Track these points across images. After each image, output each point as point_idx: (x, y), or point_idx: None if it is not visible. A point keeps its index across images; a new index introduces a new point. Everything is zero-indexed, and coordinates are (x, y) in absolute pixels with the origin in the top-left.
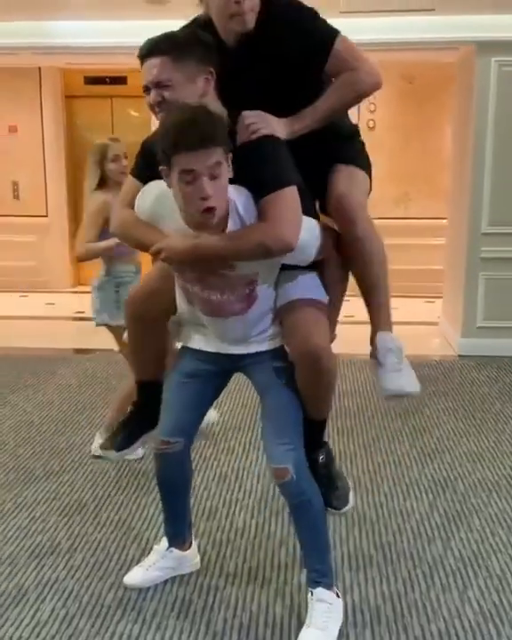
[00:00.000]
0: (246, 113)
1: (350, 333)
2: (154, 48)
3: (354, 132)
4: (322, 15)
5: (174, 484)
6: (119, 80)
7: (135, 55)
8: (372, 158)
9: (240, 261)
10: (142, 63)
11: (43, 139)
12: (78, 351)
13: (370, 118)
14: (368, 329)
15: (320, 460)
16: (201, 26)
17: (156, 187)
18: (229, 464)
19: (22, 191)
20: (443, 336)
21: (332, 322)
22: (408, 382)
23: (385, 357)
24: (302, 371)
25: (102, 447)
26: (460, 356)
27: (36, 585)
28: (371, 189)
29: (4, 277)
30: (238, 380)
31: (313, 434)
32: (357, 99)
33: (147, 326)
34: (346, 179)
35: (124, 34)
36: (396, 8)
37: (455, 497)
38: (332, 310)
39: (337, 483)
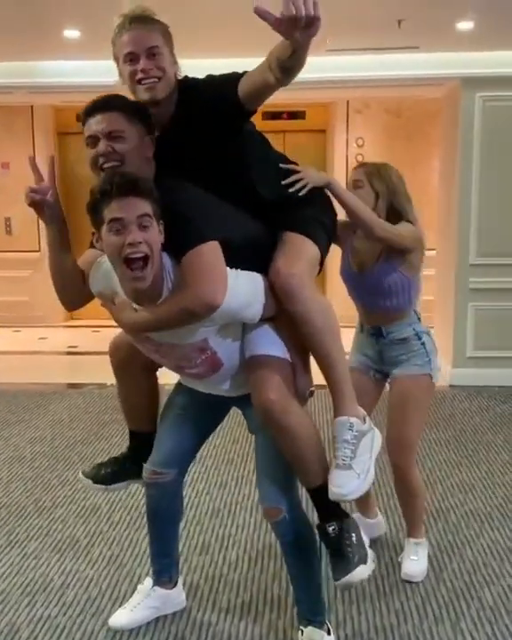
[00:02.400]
0: None
1: None
2: (106, 103)
3: (307, 194)
4: (309, 54)
5: (162, 516)
6: None
7: (127, 93)
8: None
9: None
10: (89, 118)
11: None
12: (71, 386)
13: (358, 153)
14: None
15: (330, 532)
16: None
17: (105, 262)
18: (222, 498)
19: (15, 227)
20: None
21: (305, 372)
22: (351, 485)
23: (337, 448)
24: (266, 428)
25: (84, 473)
26: (451, 385)
27: (29, 622)
28: (325, 251)
29: None
30: (229, 415)
31: (317, 502)
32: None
33: (132, 374)
34: (287, 251)
35: (112, 73)
36: (381, 46)
37: (447, 528)
38: (300, 360)
39: (346, 554)
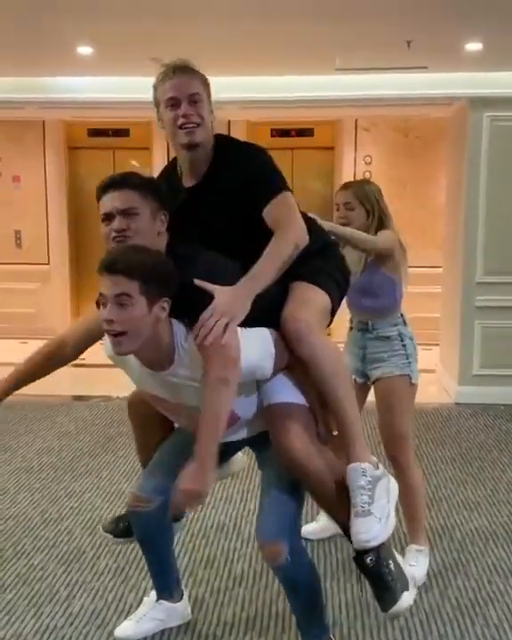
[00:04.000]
0: (203, 316)
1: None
2: (123, 181)
3: (322, 247)
4: (317, 73)
5: (152, 542)
6: (122, 132)
7: (138, 109)
8: None
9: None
10: (104, 195)
11: (46, 188)
12: (77, 398)
13: (366, 170)
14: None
15: (368, 563)
16: (171, 167)
17: None
18: (227, 513)
19: (24, 240)
20: (440, 383)
21: (324, 415)
22: (374, 531)
23: (354, 496)
24: (293, 474)
25: (104, 527)
26: (456, 403)
27: (35, 633)
28: (337, 303)
29: (5, 324)
30: None
31: (348, 536)
32: (294, 253)
33: (149, 426)
34: (297, 298)
35: (127, 89)
36: (390, 65)
37: (452, 545)
38: (319, 404)
39: (389, 585)
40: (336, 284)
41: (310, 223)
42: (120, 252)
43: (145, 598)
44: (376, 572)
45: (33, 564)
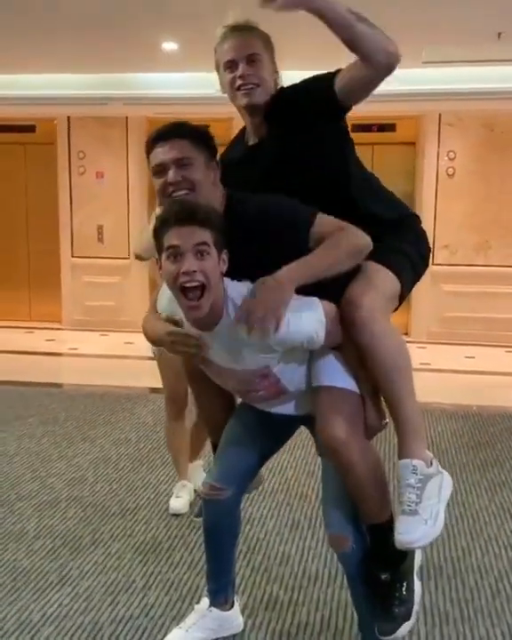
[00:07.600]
0: (245, 303)
1: (425, 382)
2: (172, 132)
3: (398, 220)
4: (404, 67)
5: (220, 535)
6: None
7: (219, 105)
8: (451, 205)
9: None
10: (154, 147)
11: (128, 184)
12: (154, 390)
13: (449, 166)
14: (447, 377)
15: (382, 579)
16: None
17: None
18: (302, 510)
19: (106, 234)
20: None
21: (374, 405)
22: (419, 532)
23: (402, 493)
24: (331, 462)
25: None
26: None
27: (111, 622)
28: (408, 287)
29: (87, 317)
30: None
31: (373, 542)
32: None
33: (206, 388)
34: (364, 279)
35: (209, 85)
36: (479, 58)
37: None
38: (370, 392)
39: (391, 611)
40: (411, 266)
41: (383, 191)
42: (189, 203)
43: (195, 605)
44: (386, 593)
45: (110, 552)
